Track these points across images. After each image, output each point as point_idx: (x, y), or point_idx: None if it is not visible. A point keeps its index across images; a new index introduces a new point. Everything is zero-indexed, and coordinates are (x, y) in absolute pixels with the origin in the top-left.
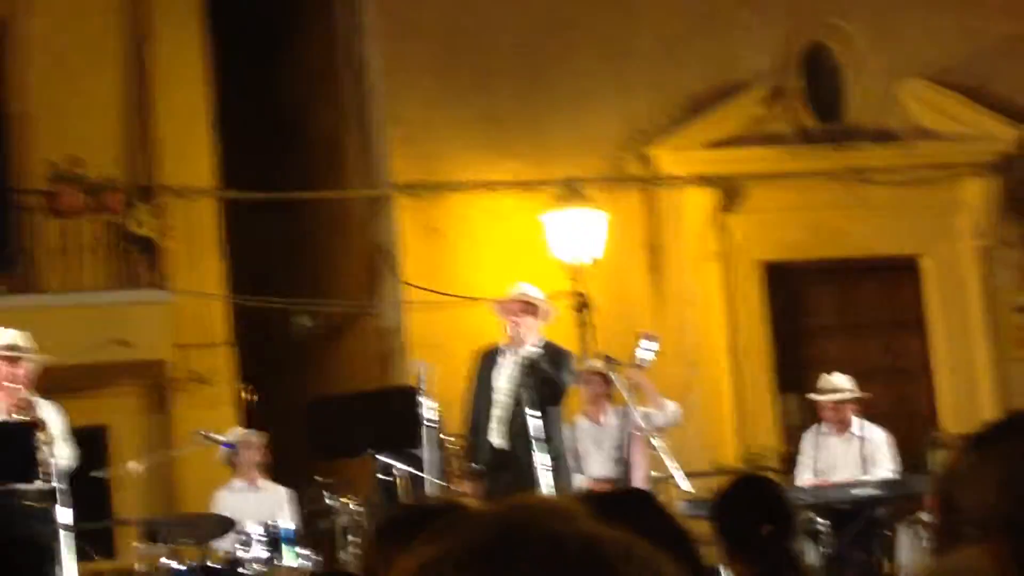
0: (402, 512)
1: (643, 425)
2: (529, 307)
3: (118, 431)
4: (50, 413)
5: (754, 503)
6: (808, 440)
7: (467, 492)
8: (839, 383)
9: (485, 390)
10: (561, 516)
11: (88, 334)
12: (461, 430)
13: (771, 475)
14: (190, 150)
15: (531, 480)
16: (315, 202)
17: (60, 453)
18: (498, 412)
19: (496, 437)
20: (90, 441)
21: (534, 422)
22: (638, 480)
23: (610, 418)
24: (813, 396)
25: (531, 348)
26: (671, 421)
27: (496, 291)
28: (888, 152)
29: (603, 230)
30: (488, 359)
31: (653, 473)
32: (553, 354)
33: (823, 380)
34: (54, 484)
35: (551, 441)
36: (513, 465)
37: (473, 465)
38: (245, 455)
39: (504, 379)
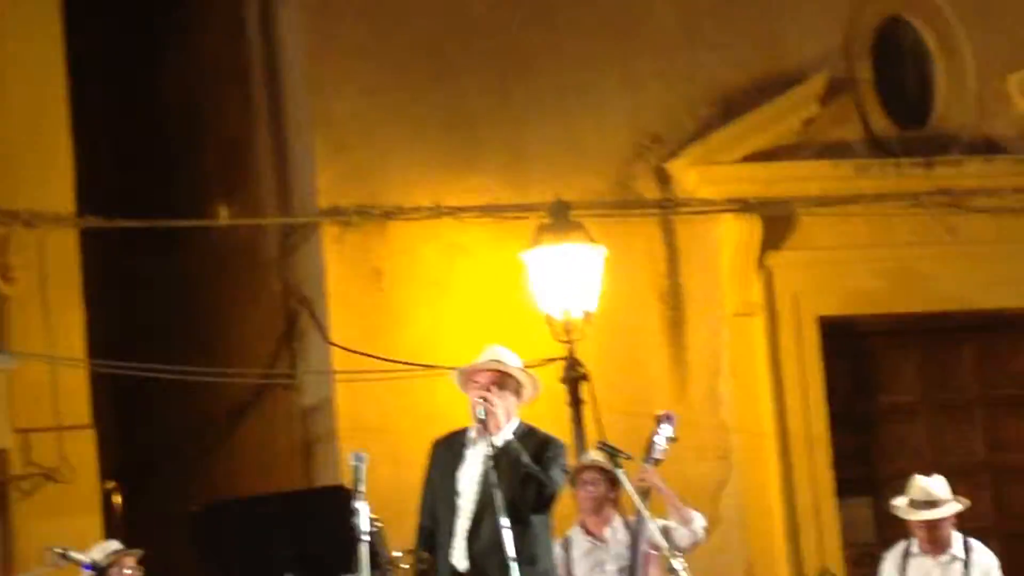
0: None
1: (661, 542)
2: (504, 379)
3: None
4: None
5: None
6: (890, 564)
7: None
8: (934, 490)
9: (445, 493)
10: None
11: None
12: (412, 547)
13: None
14: (44, 165)
15: None
16: (213, 235)
17: None
18: (462, 523)
19: (459, 558)
20: None
21: (511, 537)
22: None
23: (616, 532)
24: (897, 508)
25: (507, 436)
26: (697, 538)
27: (459, 357)
28: (991, 168)
29: (602, 273)
30: (448, 451)
31: None
32: (538, 444)
33: (913, 486)
34: None
35: (536, 563)
36: None
37: None
38: None
39: (470, 478)
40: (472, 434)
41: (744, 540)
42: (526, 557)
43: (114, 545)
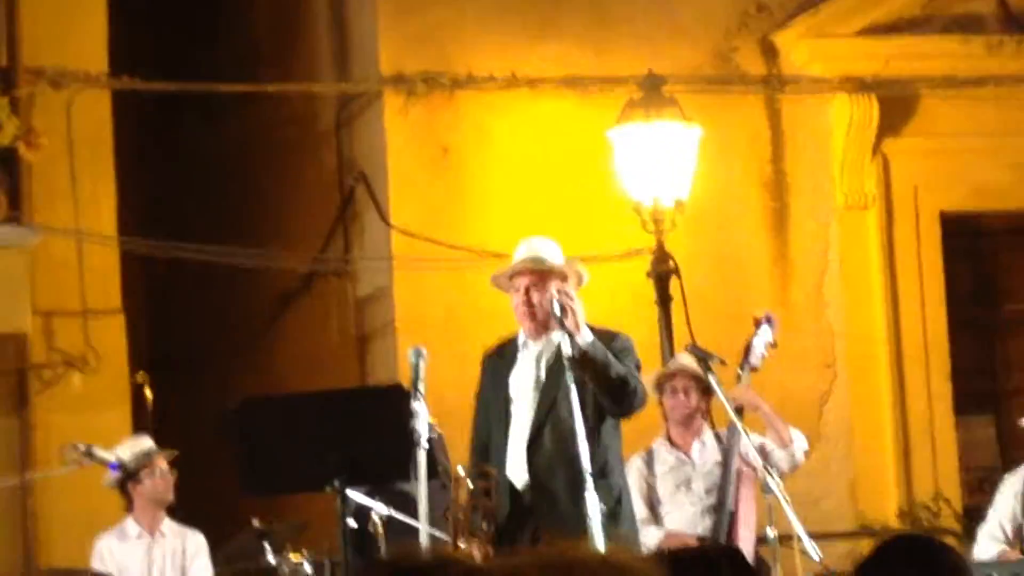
0: (378, 571)
1: (755, 459)
2: (549, 276)
3: None
4: None
5: None
6: (1009, 489)
7: (474, 551)
8: None
9: (498, 401)
10: None
11: None
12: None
13: (946, 538)
14: (73, 18)
15: (573, 534)
16: (262, 103)
17: None
18: (519, 433)
19: (516, 472)
20: None
21: (579, 446)
22: (743, 540)
23: (705, 447)
24: None
25: (587, 334)
26: (796, 462)
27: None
28: None
29: (697, 156)
30: (499, 360)
31: (767, 532)
32: (603, 341)
33: None
34: None
35: (608, 476)
36: (544, 512)
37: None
38: (143, 483)
39: (525, 383)
40: (522, 338)
41: (849, 459)
42: (596, 469)
43: (145, 443)
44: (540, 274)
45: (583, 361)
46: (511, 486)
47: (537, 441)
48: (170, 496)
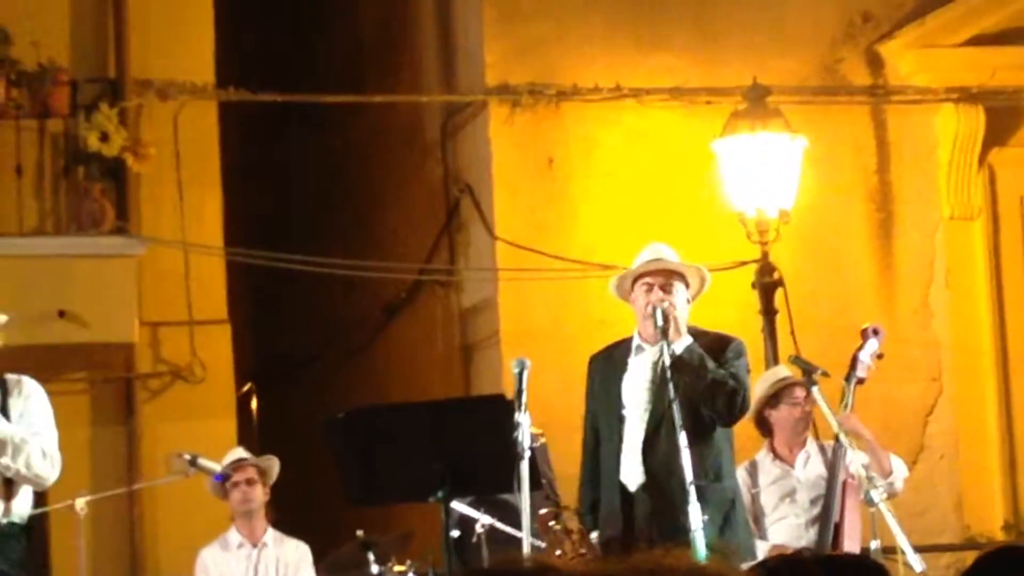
0: None
1: (860, 471)
2: (671, 279)
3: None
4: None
5: None
6: None
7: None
8: None
9: (610, 406)
10: None
11: (13, 301)
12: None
13: None
14: (181, 31)
15: (681, 539)
16: (367, 113)
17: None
18: (633, 436)
19: (631, 475)
20: None
21: (690, 456)
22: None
23: (810, 458)
24: None
25: (687, 341)
26: (895, 490)
27: (636, 256)
28: None
29: (802, 167)
30: (607, 363)
31: (872, 544)
32: (713, 344)
33: None
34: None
35: (722, 479)
36: (660, 511)
37: (586, 527)
38: (246, 493)
39: (638, 387)
40: (636, 342)
41: (954, 472)
42: (711, 473)
43: (234, 453)
44: (667, 274)
45: (679, 367)
46: (623, 489)
47: (653, 442)
48: (253, 506)
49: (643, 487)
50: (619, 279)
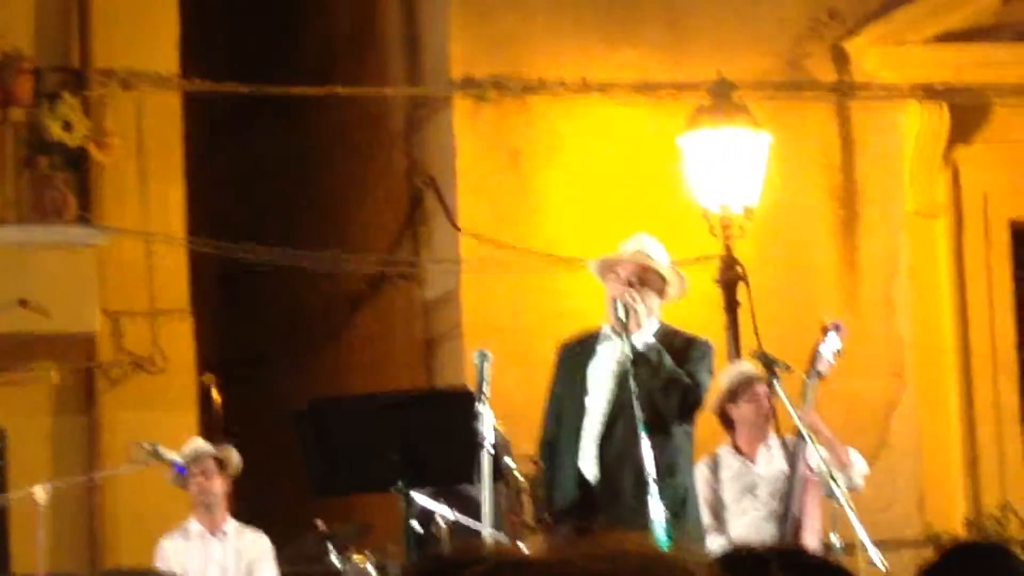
0: (428, 564)
1: (821, 466)
2: (648, 274)
3: (18, 439)
4: None
5: None
6: None
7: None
8: None
9: (574, 392)
10: None
11: None
12: (535, 455)
13: (1012, 548)
14: (146, 21)
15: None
16: (330, 105)
17: None
18: (592, 426)
19: (587, 464)
20: None
21: (649, 446)
22: (808, 547)
23: (771, 453)
24: None
25: (647, 338)
26: (854, 484)
27: (601, 250)
28: None
29: (767, 163)
30: (577, 352)
31: (832, 539)
32: (681, 344)
33: None
34: None
35: (675, 474)
36: (610, 507)
37: (546, 514)
38: (203, 485)
39: (602, 376)
40: (605, 330)
41: (916, 469)
42: (665, 468)
43: (193, 444)
44: (644, 268)
45: (637, 361)
46: (582, 478)
47: (608, 436)
48: (212, 498)
49: (598, 480)
50: (600, 262)
